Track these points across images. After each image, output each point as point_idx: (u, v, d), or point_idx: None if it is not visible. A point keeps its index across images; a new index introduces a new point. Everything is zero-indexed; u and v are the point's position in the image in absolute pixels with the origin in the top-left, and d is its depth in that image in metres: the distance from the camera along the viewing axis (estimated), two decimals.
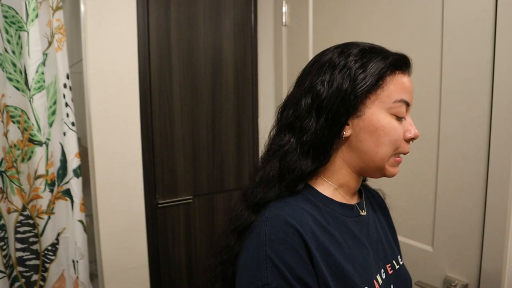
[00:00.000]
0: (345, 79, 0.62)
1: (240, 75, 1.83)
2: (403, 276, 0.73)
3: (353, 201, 0.71)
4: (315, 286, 0.57)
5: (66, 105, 1.40)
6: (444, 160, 1.11)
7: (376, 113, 0.63)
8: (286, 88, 1.78)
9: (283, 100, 0.71)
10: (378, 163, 0.65)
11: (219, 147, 1.81)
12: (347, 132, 0.64)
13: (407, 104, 0.64)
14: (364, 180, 0.83)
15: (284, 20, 1.74)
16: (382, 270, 0.68)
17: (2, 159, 1.32)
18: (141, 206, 1.56)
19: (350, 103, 0.62)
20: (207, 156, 1.78)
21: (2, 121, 1.30)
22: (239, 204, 0.67)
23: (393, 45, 0.69)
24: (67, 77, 1.40)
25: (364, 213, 0.71)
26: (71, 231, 1.41)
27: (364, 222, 0.70)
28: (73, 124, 1.43)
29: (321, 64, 0.65)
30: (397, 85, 0.63)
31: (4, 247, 1.33)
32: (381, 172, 0.66)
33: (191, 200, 1.74)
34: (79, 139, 1.48)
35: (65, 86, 1.39)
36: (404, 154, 0.67)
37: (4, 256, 1.33)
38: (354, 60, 0.63)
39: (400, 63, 0.64)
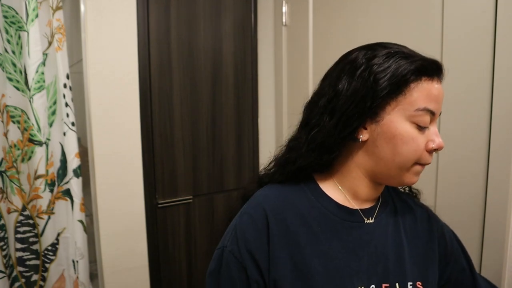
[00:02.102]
0: (363, 84, 0.59)
1: (240, 75, 1.83)
2: None
3: (361, 206, 0.68)
4: (263, 264, 0.62)
5: (66, 105, 1.40)
6: (444, 160, 1.11)
7: (395, 120, 0.60)
8: (286, 88, 1.78)
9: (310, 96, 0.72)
10: (394, 171, 0.62)
11: (219, 147, 1.81)
12: (364, 136, 0.63)
13: (432, 113, 0.60)
14: (415, 195, 0.78)
15: (284, 20, 1.74)
16: (373, 286, 0.63)
17: (2, 159, 1.32)
18: (141, 206, 1.56)
19: (364, 109, 0.60)
20: (207, 156, 1.78)
21: (2, 121, 1.30)
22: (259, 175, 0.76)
23: None
24: (67, 77, 1.40)
25: (370, 221, 0.67)
26: (71, 231, 1.42)
27: (367, 230, 0.66)
28: (73, 124, 1.43)
29: (344, 64, 0.64)
30: (421, 93, 0.59)
31: (4, 247, 1.33)
32: (397, 180, 0.64)
33: (191, 200, 1.74)
34: (79, 139, 1.48)
35: (65, 86, 1.39)
36: (426, 164, 0.63)
37: (4, 256, 1.33)
38: (377, 64, 0.60)
39: (428, 69, 0.60)
